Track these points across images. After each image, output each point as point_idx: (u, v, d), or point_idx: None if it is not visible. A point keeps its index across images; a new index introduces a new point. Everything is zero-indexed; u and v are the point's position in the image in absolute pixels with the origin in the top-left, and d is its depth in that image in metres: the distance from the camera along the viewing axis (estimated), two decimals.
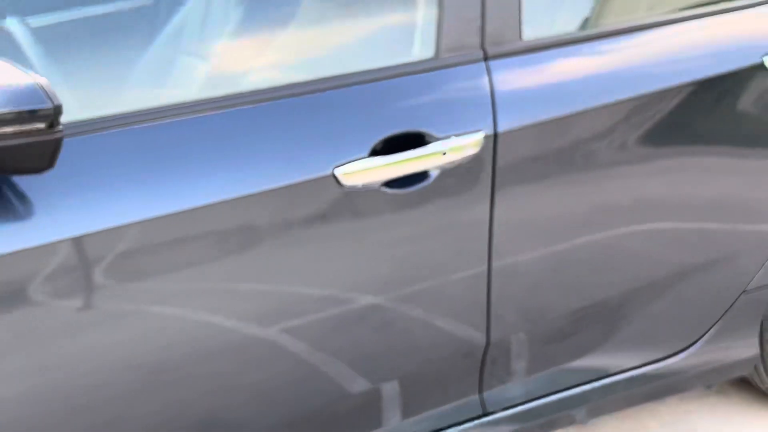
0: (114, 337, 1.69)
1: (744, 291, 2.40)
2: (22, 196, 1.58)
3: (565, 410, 2.28)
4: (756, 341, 2.46)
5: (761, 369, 2.61)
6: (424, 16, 1.95)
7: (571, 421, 2.38)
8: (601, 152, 2.07)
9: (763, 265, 2.40)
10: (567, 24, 2.13)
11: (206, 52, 1.91)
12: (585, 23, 2.16)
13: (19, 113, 1.38)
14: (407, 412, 2.09)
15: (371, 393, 2.01)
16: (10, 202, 1.58)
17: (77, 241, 1.58)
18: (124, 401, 1.75)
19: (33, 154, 1.43)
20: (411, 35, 1.96)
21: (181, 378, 1.79)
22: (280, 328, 1.84)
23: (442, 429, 2.14)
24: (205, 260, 1.72)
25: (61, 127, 1.43)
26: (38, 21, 1.90)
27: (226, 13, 1.95)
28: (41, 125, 1.40)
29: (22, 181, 1.57)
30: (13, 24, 1.83)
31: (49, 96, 1.40)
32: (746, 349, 2.46)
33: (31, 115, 1.39)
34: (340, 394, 1.99)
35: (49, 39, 1.83)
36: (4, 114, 1.38)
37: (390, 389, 2.04)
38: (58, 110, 1.41)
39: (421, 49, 1.94)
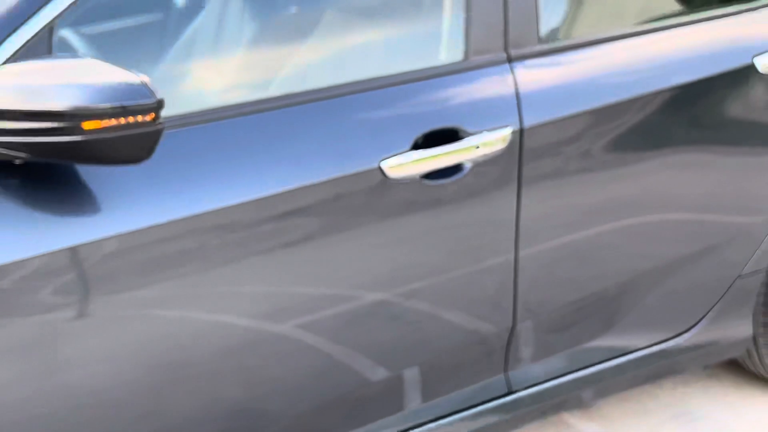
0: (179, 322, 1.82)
1: (739, 276, 2.59)
2: (99, 187, 1.71)
3: (579, 389, 2.44)
4: (750, 322, 2.65)
5: (753, 352, 2.80)
6: (453, 24, 2.11)
7: (580, 402, 2.55)
8: (612, 148, 2.25)
9: (755, 251, 2.58)
10: (580, 29, 2.31)
11: (265, 57, 2.05)
12: (595, 28, 2.34)
13: (126, 107, 1.51)
14: (441, 390, 2.23)
15: (411, 372, 2.15)
16: (90, 193, 1.70)
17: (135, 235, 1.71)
18: (169, 391, 1.87)
19: (134, 146, 1.55)
20: (442, 41, 2.12)
21: (224, 370, 1.91)
22: (334, 312, 1.98)
23: (471, 407, 2.28)
24: (264, 250, 1.85)
25: (161, 120, 1.56)
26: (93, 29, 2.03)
27: (278, 23, 2.09)
28: (145, 118, 1.53)
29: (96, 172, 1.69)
30: (68, 33, 1.95)
31: (152, 91, 1.54)
32: (741, 329, 2.65)
33: (137, 109, 1.52)
34: (383, 374, 2.12)
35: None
36: (113, 108, 1.50)
37: (426, 369, 2.18)
38: (160, 104, 1.54)
39: (452, 53, 2.10)
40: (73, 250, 1.66)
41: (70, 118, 1.50)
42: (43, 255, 1.64)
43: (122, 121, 1.51)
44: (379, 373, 2.13)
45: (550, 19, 2.22)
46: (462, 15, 2.09)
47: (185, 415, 1.91)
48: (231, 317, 1.89)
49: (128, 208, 1.72)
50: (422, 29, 2.16)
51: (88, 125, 1.50)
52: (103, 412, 1.81)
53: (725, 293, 2.58)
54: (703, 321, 2.58)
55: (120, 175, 1.72)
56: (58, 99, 1.50)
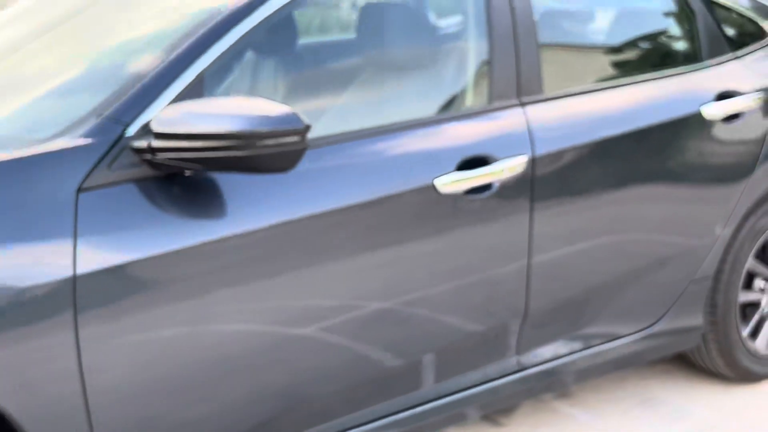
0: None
1: (692, 281, 3.24)
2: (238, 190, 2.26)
3: (567, 372, 3.04)
4: (701, 316, 3.30)
5: (702, 347, 3.44)
6: (480, 79, 2.75)
7: (564, 385, 3.14)
8: (594, 177, 2.90)
9: (703, 262, 3.25)
10: (569, 83, 2.97)
11: (350, 100, 2.64)
12: (581, 83, 3.01)
13: (284, 131, 2.08)
14: (466, 367, 2.80)
15: (445, 352, 2.72)
16: (230, 199, 2.26)
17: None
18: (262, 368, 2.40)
19: (285, 159, 2.12)
20: (474, 91, 2.76)
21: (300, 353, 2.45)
22: (401, 301, 2.54)
23: (490, 380, 2.86)
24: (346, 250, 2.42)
25: (306, 140, 2.14)
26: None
27: (362, 79, 2.70)
28: (296, 139, 2.11)
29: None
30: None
31: (301, 119, 2.12)
32: (695, 323, 3.30)
33: (290, 132, 2.09)
34: (427, 353, 2.69)
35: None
36: (275, 131, 2.07)
37: (456, 350, 2.75)
38: (307, 128, 2.12)
39: (480, 99, 2.74)
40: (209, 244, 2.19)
41: (245, 139, 2.07)
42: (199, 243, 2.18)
43: (281, 140, 2.09)
44: (424, 351, 2.69)
45: (548, 76, 2.87)
46: (486, 73, 2.73)
47: (272, 382, 2.43)
48: (320, 305, 2.43)
49: (247, 211, 2.27)
50: (459, 82, 2.78)
51: (259, 145, 2.07)
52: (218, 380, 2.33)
53: (681, 294, 3.23)
54: (666, 316, 3.22)
55: (246, 184, 2.28)
56: (236, 125, 2.06)
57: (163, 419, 2.23)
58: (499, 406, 3.02)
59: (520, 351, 2.90)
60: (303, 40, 2.74)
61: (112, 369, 2.11)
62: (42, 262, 2.00)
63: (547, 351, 2.95)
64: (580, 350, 3.04)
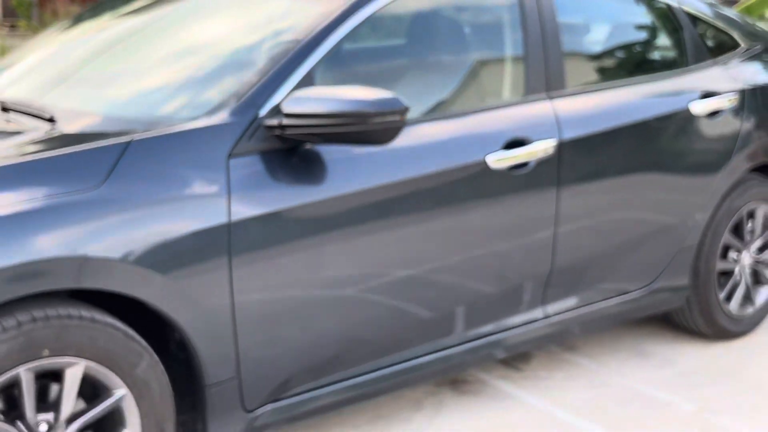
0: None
1: (681, 248, 3.90)
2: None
3: (577, 324, 3.67)
4: (687, 278, 3.95)
5: (686, 308, 4.10)
6: (517, 78, 3.39)
7: (576, 333, 3.76)
8: (609, 159, 3.54)
9: (689, 234, 3.91)
10: (584, 81, 3.62)
11: (423, 91, 3.25)
12: (593, 81, 3.66)
13: (390, 111, 2.69)
14: (506, 313, 3.42)
15: (491, 298, 3.34)
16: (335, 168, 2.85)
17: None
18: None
19: (387, 134, 2.73)
20: (514, 86, 3.39)
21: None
22: (460, 258, 3.15)
23: (522, 324, 3.48)
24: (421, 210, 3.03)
25: (405, 119, 2.74)
26: None
27: (432, 76, 3.31)
28: (397, 117, 2.72)
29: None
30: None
31: (402, 102, 2.73)
32: (682, 282, 3.95)
33: (394, 112, 2.70)
34: (480, 297, 3.30)
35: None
36: (382, 111, 2.68)
37: (497, 299, 3.37)
38: (406, 109, 2.73)
39: (519, 93, 3.37)
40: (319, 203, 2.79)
41: (358, 117, 2.67)
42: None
43: (386, 119, 2.69)
44: (476, 298, 3.30)
45: (569, 75, 3.51)
46: (522, 73, 3.37)
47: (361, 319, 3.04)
48: (396, 261, 3.03)
49: (346, 178, 2.87)
50: (503, 80, 3.41)
51: (369, 122, 2.67)
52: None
53: (672, 259, 3.88)
54: (660, 277, 3.86)
55: (345, 156, 2.87)
56: (352, 107, 2.67)
57: (282, 337, 2.82)
58: (527, 349, 3.64)
59: (545, 302, 3.53)
60: (383, 43, 3.35)
61: (253, 295, 2.70)
62: (206, 210, 2.58)
63: (566, 303, 3.58)
64: (593, 303, 3.66)
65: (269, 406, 2.85)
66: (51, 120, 2.83)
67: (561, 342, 4.02)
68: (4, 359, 2.31)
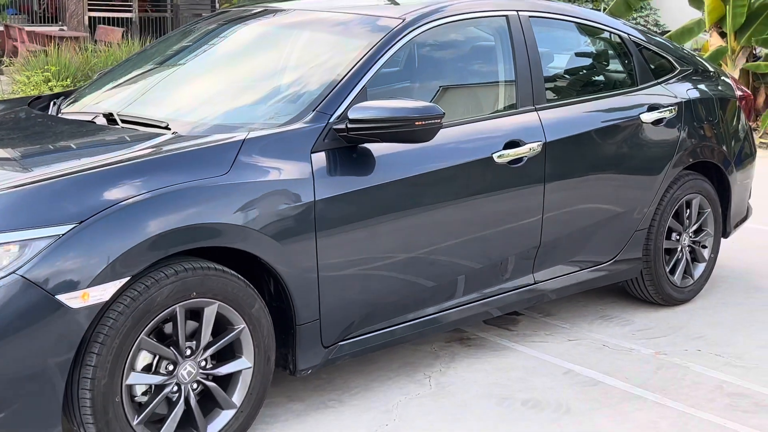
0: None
1: (636, 230, 4.90)
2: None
3: (560, 288, 4.63)
4: (640, 252, 4.95)
5: (639, 279, 5.09)
6: (509, 93, 4.36)
7: (547, 299, 4.72)
8: (579, 157, 4.52)
9: (642, 218, 4.91)
10: (560, 96, 4.61)
11: (447, 103, 4.19)
12: (567, 96, 4.65)
13: (431, 116, 3.62)
14: (500, 280, 4.36)
15: (496, 266, 4.28)
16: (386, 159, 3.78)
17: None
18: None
19: (429, 133, 3.66)
20: (509, 99, 4.35)
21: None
22: (469, 236, 4.08)
23: (516, 288, 4.42)
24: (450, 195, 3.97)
25: (442, 122, 3.68)
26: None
27: (452, 95, 4.26)
28: (436, 121, 3.65)
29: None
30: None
31: (439, 109, 3.64)
32: (638, 255, 4.94)
33: (434, 116, 3.64)
34: (479, 266, 4.23)
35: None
36: (425, 116, 3.61)
37: (498, 265, 4.32)
38: (443, 114, 3.67)
39: (512, 104, 4.35)
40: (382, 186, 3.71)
41: (408, 121, 3.60)
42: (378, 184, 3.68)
43: (428, 122, 3.63)
44: (479, 264, 4.24)
45: (549, 92, 4.50)
46: (515, 90, 4.34)
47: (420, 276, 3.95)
48: (428, 235, 3.94)
49: (393, 168, 3.79)
50: (501, 96, 4.37)
51: (416, 124, 3.61)
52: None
53: (630, 238, 4.87)
54: (622, 252, 4.85)
55: (391, 152, 3.79)
56: (405, 113, 3.60)
57: (348, 292, 3.69)
58: (521, 307, 4.58)
59: (535, 270, 4.48)
60: (409, 68, 4.29)
61: (330, 259, 3.59)
62: (300, 191, 3.48)
63: (550, 272, 4.53)
64: (571, 273, 4.63)
65: (339, 344, 3.74)
66: (167, 127, 3.71)
67: (541, 308, 4.97)
68: (167, 297, 3.17)
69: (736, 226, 5.59)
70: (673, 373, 4.33)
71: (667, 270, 5.12)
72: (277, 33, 4.40)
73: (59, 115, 4.15)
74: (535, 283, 4.48)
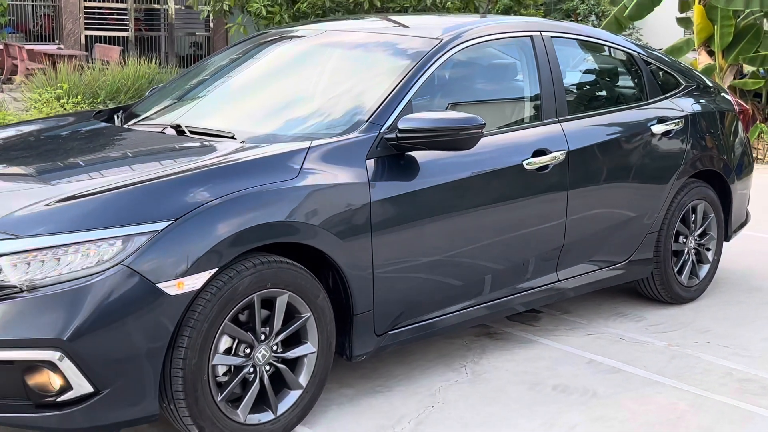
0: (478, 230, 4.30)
1: (648, 232, 5.33)
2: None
3: (576, 286, 5.04)
4: (651, 253, 5.37)
5: (650, 279, 5.51)
6: (537, 107, 4.78)
7: (567, 296, 5.13)
8: (597, 165, 4.94)
9: (653, 222, 5.33)
10: (580, 109, 5.03)
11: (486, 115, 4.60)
12: (585, 109, 5.08)
13: (473, 126, 4.03)
14: (528, 278, 4.76)
15: (520, 265, 4.69)
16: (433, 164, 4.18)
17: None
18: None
19: (471, 141, 4.07)
20: (535, 112, 4.78)
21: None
22: (502, 237, 4.48)
23: (542, 285, 4.83)
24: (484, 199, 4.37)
25: (483, 131, 4.09)
26: None
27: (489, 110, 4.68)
28: (478, 131, 4.06)
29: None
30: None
31: (480, 119, 4.07)
32: (649, 256, 5.36)
33: (476, 126, 4.04)
34: (511, 263, 4.65)
35: None
36: (468, 126, 4.02)
37: (528, 263, 4.73)
38: (484, 125, 4.08)
39: (538, 116, 4.77)
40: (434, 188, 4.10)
41: (453, 131, 4.01)
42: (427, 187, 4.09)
43: (471, 131, 4.04)
44: (510, 262, 4.64)
45: (571, 105, 4.93)
46: (541, 104, 4.76)
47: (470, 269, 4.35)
48: (467, 234, 4.33)
49: (437, 174, 4.18)
50: (529, 109, 4.79)
51: (461, 133, 4.01)
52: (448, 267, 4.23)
53: (642, 240, 5.29)
54: (635, 252, 5.27)
55: (435, 159, 4.19)
56: (450, 124, 4.01)
57: (397, 286, 4.07)
58: (545, 302, 4.98)
59: (558, 269, 4.89)
60: (447, 83, 4.70)
61: (383, 256, 3.97)
62: (358, 194, 3.87)
63: (572, 271, 4.94)
64: (590, 272, 5.04)
65: (389, 333, 4.13)
66: (233, 137, 4.10)
67: (559, 306, 5.38)
68: (247, 287, 3.55)
69: (737, 230, 6.01)
70: (686, 362, 4.74)
71: (675, 270, 5.53)
72: (326, 51, 4.80)
73: (131, 127, 4.52)
74: (558, 281, 4.87)
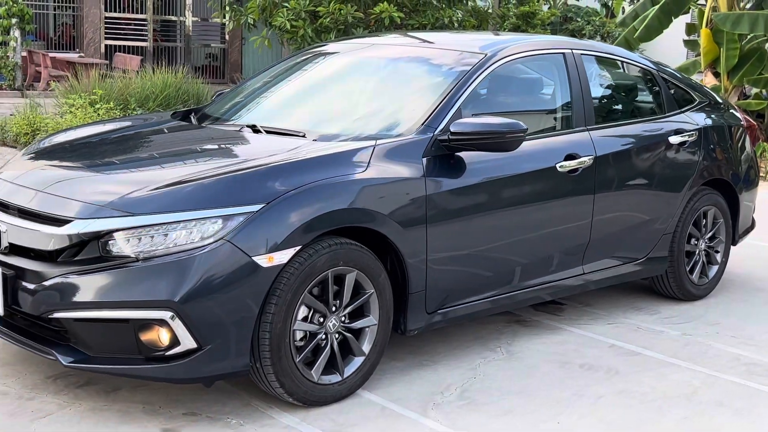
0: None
1: (664, 233, 5.88)
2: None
3: (598, 279, 5.59)
4: (666, 252, 5.92)
5: (664, 277, 6.06)
6: (568, 117, 5.34)
7: (589, 288, 5.68)
8: (620, 170, 5.50)
9: (668, 223, 5.88)
10: (603, 119, 5.59)
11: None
12: (608, 119, 5.64)
13: (517, 130, 4.58)
14: (559, 269, 5.30)
15: (550, 257, 5.24)
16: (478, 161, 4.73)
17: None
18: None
19: (515, 144, 4.62)
20: (567, 121, 5.34)
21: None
22: (538, 232, 5.02)
23: (569, 277, 5.37)
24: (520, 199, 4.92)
25: (525, 135, 4.65)
26: None
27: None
28: (521, 134, 4.62)
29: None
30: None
31: (523, 124, 4.63)
32: (664, 254, 5.92)
33: (520, 131, 4.59)
34: (540, 256, 5.19)
35: None
36: (512, 130, 4.58)
37: (557, 255, 5.27)
38: (526, 130, 4.63)
39: (570, 125, 5.33)
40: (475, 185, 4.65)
41: (499, 134, 4.56)
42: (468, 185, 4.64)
43: (515, 135, 4.59)
44: (544, 255, 5.19)
45: (598, 116, 5.49)
46: (572, 114, 5.32)
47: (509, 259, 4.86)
48: (507, 228, 4.88)
49: (482, 171, 4.74)
50: (562, 118, 5.35)
51: (506, 136, 4.57)
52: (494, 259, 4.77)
53: (659, 240, 5.85)
54: (652, 251, 5.82)
55: (480, 159, 4.75)
56: (497, 128, 4.56)
57: (446, 270, 4.60)
58: (568, 294, 5.52)
59: (584, 263, 5.44)
60: (490, 92, 5.26)
61: (435, 243, 4.51)
62: (417, 187, 4.42)
63: (596, 265, 5.49)
64: (612, 267, 5.59)
65: (437, 311, 4.67)
66: (303, 136, 4.65)
67: (580, 299, 5.93)
68: (323, 264, 4.09)
69: (742, 235, 6.57)
70: (698, 348, 5.28)
71: (687, 269, 6.07)
72: (381, 62, 5.36)
73: (210, 126, 5.08)
74: (583, 274, 5.42)
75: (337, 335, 4.23)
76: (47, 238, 3.93)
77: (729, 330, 5.62)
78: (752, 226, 6.67)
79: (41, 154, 4.79)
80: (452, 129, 4.55)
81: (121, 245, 3.82)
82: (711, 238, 6.23)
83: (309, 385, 4.11)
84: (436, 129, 4.59)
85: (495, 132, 4.53)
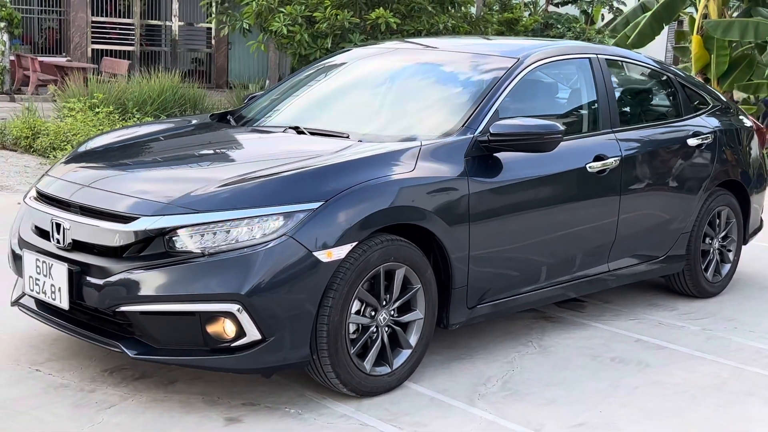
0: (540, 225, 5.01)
1: (682, 232, 6.09)
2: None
3: (621, 276, 5.78)
4: (684, 250, 6.12)
5: (681, 275, 6.26)
6: (595, 119, 5.53)
7: (611, 286, 5.87)
8: (643, 171, 5.70)
9: (686, 223, 6.08)
10: (628, 122, 5.79)
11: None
12: (633, 122, 5.84)
13: (554, 131, 4.77)
14: (584, 267, 5.49)
15: (582, 254, 5.42)
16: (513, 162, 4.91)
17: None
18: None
19: (552, 145, 4.79)
20: (594, 124, 5.53)
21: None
22: (570, 230, 5.21)
23: (596, 273, 5.56)
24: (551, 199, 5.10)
25: (562, 136, 4.83)
26: None
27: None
28: (558, 135, 4.80)
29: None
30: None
31: (560, 126, 4.80)
32: (682, 253, 6.12)
33: (557, 132, 4.77)
34: (568, 255, 5.38)
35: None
36: (550, 131, 4.76)
37: (582, 255, 5.46)
38: (563, 131, 4.81)
39: (597, 127, 5.52)
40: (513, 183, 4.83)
41: (537, 135, 4.74)
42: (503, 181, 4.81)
43: (552, 136, 4.77)
44: (574, 252, 5.37)
45: (622, 118, 5.69)
46: (599, 117, 5.51)
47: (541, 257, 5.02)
48: (541, 225, 5.06)
49: (518, 170, 4.91)
50: (589, 121, 5.54)
51: (544, 138, 4.75)
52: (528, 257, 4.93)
53: (678, 238, 6.05)
54: (671, 249, 6.02)
55: (516, 159, 4.93)
56: (535, 129, 4.74)
57: (486, 267, 4.76)
58: (594, 290, 5.70)
59: (609, 260, 5.63)
60: (523, 95, 5.43)
61: (477, 241, 4.68)
62: (460, 186, 4.58)
63: (620, 263, 5.68)
64: (634, 264, 5.79)
65: (477, 306, 4.84)
66: (347, 137, 4.81)
67: (600, 297, 6.12)
68: (376, 260, 4.24)
69: (752, 234, 6.78)
70: (720, 342, 5.48)
71: (702, 267, 6.28)
72: (416, 66, 5.53)
73: (255, 128, 5.23)
74: (608, 271, 5.61)
75: (387, 328, 4.38)
76: (112, 234, 4.05)
77: (746, 325, 5.82)
78: (760, 227, 6.89)
79: (96, 155, 4.92)
80: (492, 130, 4.71)
81: (185, 241, 3.96)
82: (724, 238, 6.44)
83: (362, 376, 4.26)
84: (476, 130, 4.76)
85: (534, 133, 4.70)
